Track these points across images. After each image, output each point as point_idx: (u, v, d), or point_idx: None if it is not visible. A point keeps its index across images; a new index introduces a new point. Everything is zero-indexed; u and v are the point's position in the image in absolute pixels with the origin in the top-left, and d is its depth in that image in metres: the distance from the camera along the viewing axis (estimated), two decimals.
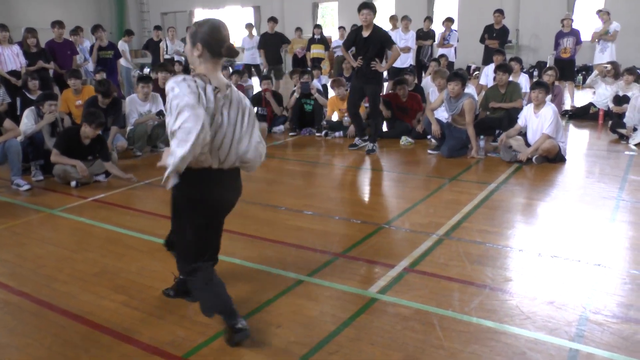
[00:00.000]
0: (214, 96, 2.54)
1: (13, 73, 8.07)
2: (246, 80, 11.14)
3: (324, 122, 8.47)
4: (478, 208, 4.79)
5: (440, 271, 3.54)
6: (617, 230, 4.26)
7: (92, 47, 9.92)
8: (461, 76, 6.77)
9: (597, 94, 9.28)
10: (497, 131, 7.27)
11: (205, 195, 2.69)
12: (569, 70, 10.24)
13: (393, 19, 11.72)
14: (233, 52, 2.62)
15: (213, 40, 2.57)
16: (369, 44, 6.70)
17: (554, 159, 6.26)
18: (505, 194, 5.20)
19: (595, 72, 9.44)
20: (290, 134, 8.47)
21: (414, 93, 8.26)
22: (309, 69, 9.89)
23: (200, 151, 2.46)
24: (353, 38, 6.94)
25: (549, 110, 6.23)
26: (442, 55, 10.55)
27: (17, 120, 6.37)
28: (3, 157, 5.73)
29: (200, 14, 22.78)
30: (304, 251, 3.92)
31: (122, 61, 10.95)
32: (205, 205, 2.73)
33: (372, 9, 6.64)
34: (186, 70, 10.37)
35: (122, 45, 11.29)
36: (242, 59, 12.52)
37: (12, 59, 8.10)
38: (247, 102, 2.76)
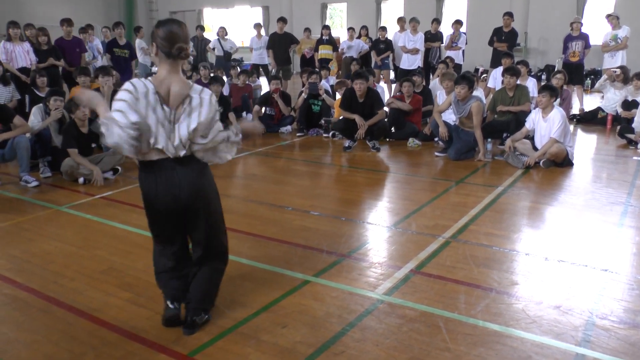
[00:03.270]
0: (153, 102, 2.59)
1: (23, 70, 8.12)
2: (254, 80, 11.15)
3: (322, 121, 8.48)
4: (485, 211, 4.78)
5: (446, 274, 3.54)
6: (625, 235, 4.24)
7: (106, 44, 9.94)
8: (468, 79, 6.76)
9: (605, 98, 9.24)
10: (504, 134, 7.25)
11: (144, 188, 2.77)
12: (578, 74, 10.19)
13: (401, 20, 11.71)
14: (183, 54, 2.62)
15: (165, 41, 2.61)
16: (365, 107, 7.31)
17: (561, 163, 6.24)
18: (512, 198, 5.19)
19: (605, 76, 9.39)
20: (298, 134, 8.48)
21: (416, 94, 8.24)
22: (317, 69, 9.89)
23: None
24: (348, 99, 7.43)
25: (557, 114, 6.21)
26: (448, 57, 10.53)
27: (25, 117, 6.41)
28: (12, 154, 5.77)
29: (209, 14, 22.84)
30: (311, 251, 3.93)
31: (140, 59, 10.95)
32: (145, 199, 2.80)
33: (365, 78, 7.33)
34: (195, 68, 10.41)
35: (140, 43, 11.15)
36: (251, 59, 12.54)
37: (22, 56, 8.17)
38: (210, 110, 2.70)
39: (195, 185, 2.74)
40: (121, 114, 2.50)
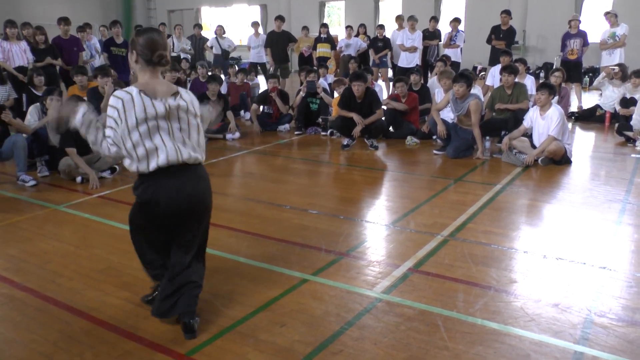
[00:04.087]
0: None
1: (20, 69, 8.10)
2: (253, 79, 11.13)
3: (320, 120, 8.47)
4: (483, 209, 4.78)
5: (444, 272, 3.53)
6: (623, 233, 4.24)
7: (103, 43, 9.90)
8: (466, 77, 6.75)
9: (604, 96, 9.24)
10: (502, 132, 7.25)
11: (145, 195, 2.76)
12: (576, 71, 10.20)
13: (399, 18, 11.70)
14: (163, 61, 2.70)
15: (145, 49, 2.68)
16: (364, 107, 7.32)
17: (559, 160, 6.24)
18: (511, 196, 5.18)
19: (603, 74, 9.39)
20: (296, 132, 8.47)
21: (412, 92, 8.23)
22: (315, 68, 9.87)
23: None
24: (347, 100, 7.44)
25: (555, 112, 6.21)
26: (445, 55, 10.52)
27: (22, 116, 6.40)
28: (9, 153, 5.76)
29: (207, 12, 22.81)
30: (309, 250, 3.92)
31: None
32: (143, 206, 2.81)
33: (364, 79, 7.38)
34: (193, 67, 10.38)
35: None
36: (248, 57, 12.52)
37: (20, 55, 8.15)
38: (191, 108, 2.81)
39: (200, 190, 2.81)
40: (111, 130, 2.64)
